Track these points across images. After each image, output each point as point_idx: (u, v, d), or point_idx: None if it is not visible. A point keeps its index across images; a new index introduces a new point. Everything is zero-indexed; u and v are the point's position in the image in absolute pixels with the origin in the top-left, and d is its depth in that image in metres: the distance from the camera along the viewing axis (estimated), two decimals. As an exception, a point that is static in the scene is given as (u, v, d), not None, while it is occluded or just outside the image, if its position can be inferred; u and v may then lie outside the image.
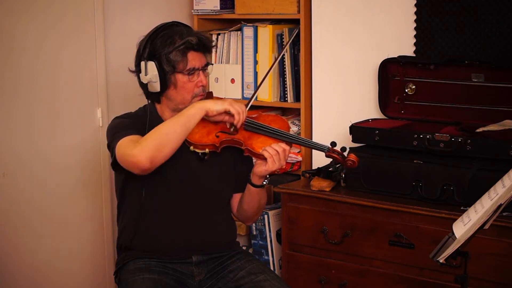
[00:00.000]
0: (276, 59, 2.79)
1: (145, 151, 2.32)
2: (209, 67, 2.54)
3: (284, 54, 3.42)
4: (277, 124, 2.56)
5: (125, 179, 2.52)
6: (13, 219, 3.11)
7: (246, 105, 2.54)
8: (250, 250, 3.49)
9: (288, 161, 3.23)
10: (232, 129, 2.49)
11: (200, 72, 2.50)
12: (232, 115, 2.45)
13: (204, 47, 2.51)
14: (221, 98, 2.65)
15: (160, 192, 2.51)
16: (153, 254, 2.52)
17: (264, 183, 2.54)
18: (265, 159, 2.45)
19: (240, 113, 2.44)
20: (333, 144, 2.49)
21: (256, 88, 2.61)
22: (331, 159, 2.53)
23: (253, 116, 2.58)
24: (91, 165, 3.37)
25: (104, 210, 3.45)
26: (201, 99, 2.52)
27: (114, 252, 3.29)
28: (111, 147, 2.45)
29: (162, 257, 2.52)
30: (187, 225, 2.52)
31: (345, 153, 2.47)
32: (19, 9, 3.05)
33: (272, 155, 2.44)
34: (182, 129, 2.39)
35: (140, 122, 2.52)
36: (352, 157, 2.45)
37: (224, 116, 2.45)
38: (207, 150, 2.48)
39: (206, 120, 2.52)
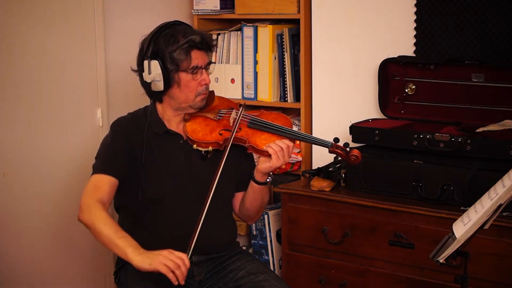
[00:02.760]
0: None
1: (84, 218, 2.37)
2: (211, 65, 2.54)
3: (284, 55, 3.43)
4: (280, 121, 2.56)
5: (123, 179, 2.51)
6: (13, 218, 3.11)
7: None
8: (250, 250, 3.49)
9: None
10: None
11: (203, 70, 2.50)
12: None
13: (207, 45, 2.51)
14: (222, 98, 2.66)
15: (159, 191, 2.50)
16: (153, 254, 2.52)
17: (268, 180, 2.54)
18: (269, 155, 2.45)
19: (175, 268, 2.19)
20: (336, 140, 2.49)
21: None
22: (333, 156, 2.53)
23: (256, 114, 2.58)
24: (91, 165, 3.34)
25: (104, 210, 3.45)
26: (203, 98, 2.53)
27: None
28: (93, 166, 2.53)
29: (162, 257, 2.52)
30: (187, 225, 2.52)
31: (348, 149, 2.48)
32: (20, 10, 3.05)
33: (277, 151, 2.44)
34: (105, 243, 2.33)
35: (136, 125, 2.52)
36: (356, 152, 2.46)
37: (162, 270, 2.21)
38: (210, 148, 2.48)
39: (208, 118, 2.52)
